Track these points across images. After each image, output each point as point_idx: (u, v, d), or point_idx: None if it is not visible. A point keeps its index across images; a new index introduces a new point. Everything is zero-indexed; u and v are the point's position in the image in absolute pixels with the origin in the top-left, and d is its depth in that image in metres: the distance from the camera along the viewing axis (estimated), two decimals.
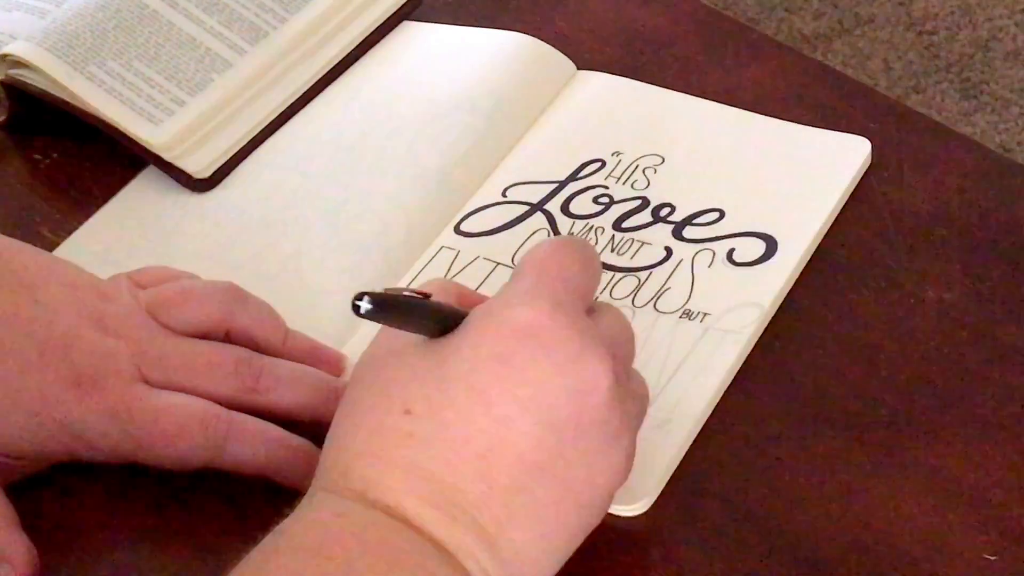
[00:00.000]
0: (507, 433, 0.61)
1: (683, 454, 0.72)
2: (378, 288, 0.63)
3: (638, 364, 0.67)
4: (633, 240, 0.81)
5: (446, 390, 0.61)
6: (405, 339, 0.64)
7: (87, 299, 0.72)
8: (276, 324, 0.75)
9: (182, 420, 0.70)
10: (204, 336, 0.73)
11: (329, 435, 0.64)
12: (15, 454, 0.70)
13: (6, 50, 0.88)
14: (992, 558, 0.68)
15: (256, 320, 0.74)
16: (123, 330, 0.71)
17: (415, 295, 0.64)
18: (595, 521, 0.64)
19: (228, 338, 0.74)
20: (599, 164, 0.86)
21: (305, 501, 0.62)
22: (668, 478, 0.71)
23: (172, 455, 0.70)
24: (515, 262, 0.81)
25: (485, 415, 0.61)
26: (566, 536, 0.63)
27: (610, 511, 0.69)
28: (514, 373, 0.61)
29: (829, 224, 0.82)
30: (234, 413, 0.71)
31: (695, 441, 0.72)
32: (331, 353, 0.76)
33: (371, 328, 0.78)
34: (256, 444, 0.70)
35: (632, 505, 0.70)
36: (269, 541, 0.60)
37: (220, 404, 0.71)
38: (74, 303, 0.71)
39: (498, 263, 0.81)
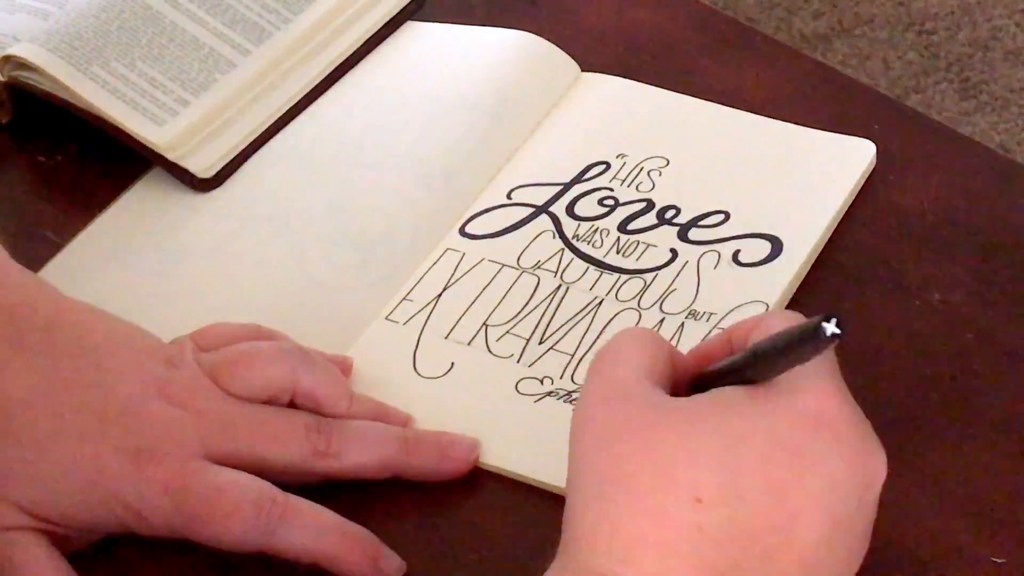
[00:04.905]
0: (794, 530, 0.57)
1: None
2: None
3: None
4: (639, 242, 0.81)
5: (738, 480, 0.57)
6: (641, 394, 0.59)
7: (152, 366, 0.69)
8: (341, 388, 0.72)
9: (236, 500, 0.67)
10: (270, 400, 0.71)
11: (585, 503, 0.58)
12: (66, 523, 0.67)
13: (9, 52, 0.88)
14: (1000, 561, 0.68)
15: (321, 382, 0.71)
16: (187, 399, 0.69)
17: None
18: None
19: (292, 401, 0.71)
20: (604, 167, 0.85)
21: None
22: None
23: (223, 536, 0.67)
24: (520, 263, 0.81)
25: (777, 509, 0.57)
26: None
27: None
28: (808, 466, 0.58)
29: (834, 226, 0.82)
30: (291, 497, 0.68)
31: None
32: (397, 415, 0.73)
33: (376, 331, 0.78)
34: (310, 531, 0.67)
35: None
36: None
37: (292, 470, 0.69)
38: (138, 370, 0.69)
39: (503, 265, 0.81)
